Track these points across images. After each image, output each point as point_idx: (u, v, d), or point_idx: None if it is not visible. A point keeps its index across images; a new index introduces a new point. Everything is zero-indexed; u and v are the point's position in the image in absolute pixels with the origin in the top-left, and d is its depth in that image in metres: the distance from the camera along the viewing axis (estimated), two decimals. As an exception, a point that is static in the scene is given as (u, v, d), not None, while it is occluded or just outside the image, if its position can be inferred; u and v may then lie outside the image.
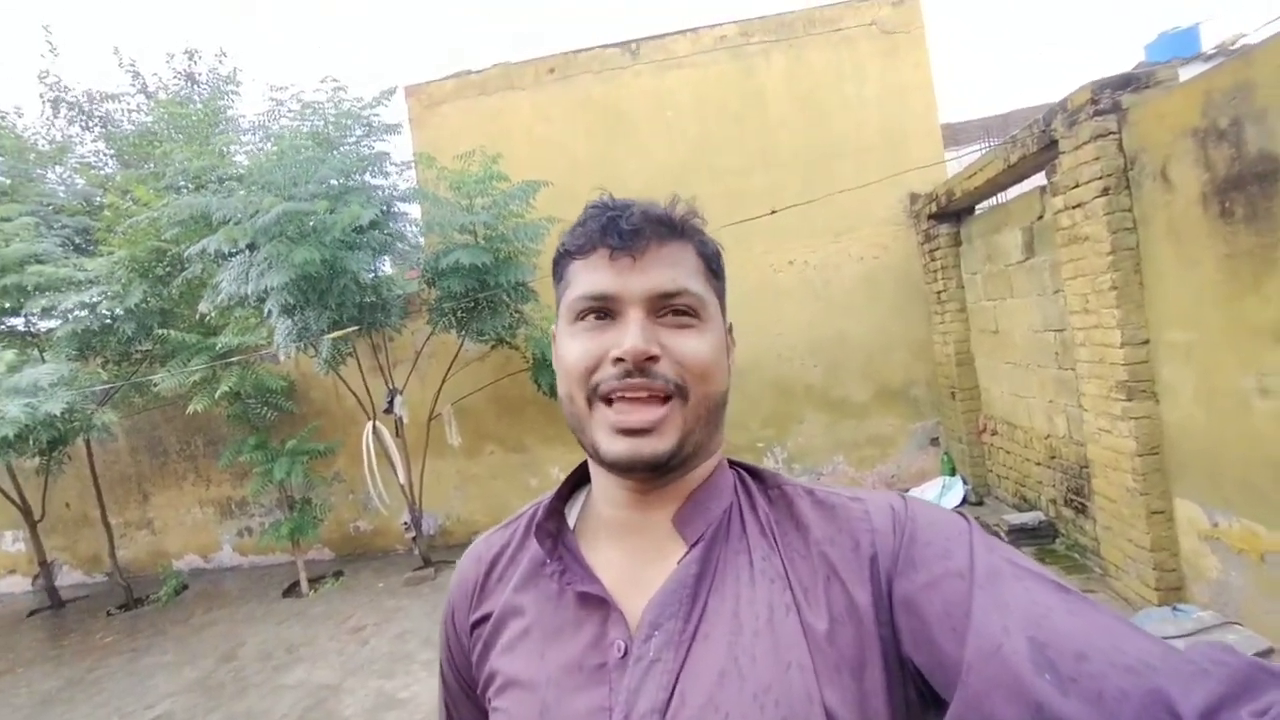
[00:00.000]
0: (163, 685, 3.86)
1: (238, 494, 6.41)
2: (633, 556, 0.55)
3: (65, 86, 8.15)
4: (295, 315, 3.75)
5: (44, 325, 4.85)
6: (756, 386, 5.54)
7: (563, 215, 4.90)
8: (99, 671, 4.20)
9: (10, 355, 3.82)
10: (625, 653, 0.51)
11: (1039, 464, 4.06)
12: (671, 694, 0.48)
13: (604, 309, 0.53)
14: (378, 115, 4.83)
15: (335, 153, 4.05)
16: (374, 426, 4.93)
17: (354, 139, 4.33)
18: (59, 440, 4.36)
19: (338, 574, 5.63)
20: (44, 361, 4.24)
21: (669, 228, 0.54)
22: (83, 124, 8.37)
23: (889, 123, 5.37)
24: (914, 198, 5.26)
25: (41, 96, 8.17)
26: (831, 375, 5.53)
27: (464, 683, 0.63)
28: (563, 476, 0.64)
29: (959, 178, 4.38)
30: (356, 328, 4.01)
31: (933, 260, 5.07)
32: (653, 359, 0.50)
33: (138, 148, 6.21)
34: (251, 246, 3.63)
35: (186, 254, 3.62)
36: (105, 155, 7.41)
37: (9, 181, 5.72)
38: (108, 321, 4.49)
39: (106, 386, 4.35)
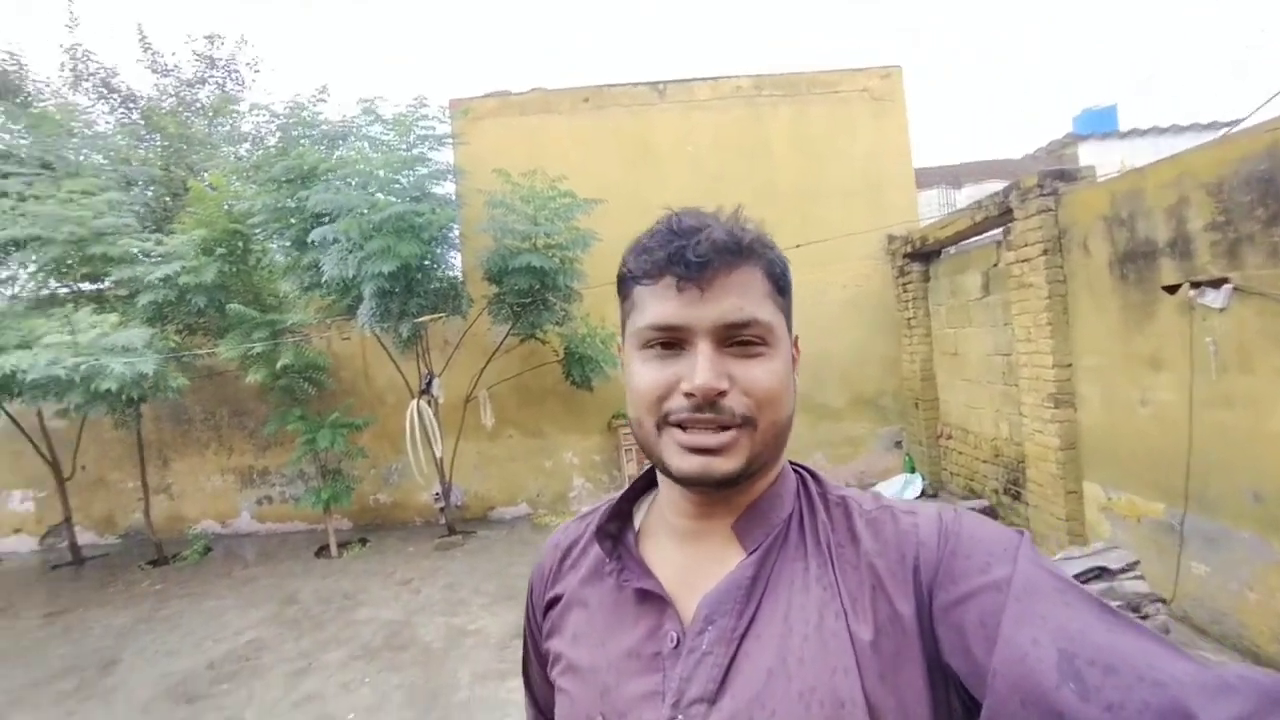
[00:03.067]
0: (236, 621, 4.32)
1: (260, 464, 6.78)
2: (692, 558, 0.59)
3: (88, 56, 8.25)
4: (388, 299, 4.34)
5: (115, 292, 5.20)
6: (751, 390, 6.39)
7: (597, 229, 5.63)
8: (166, 611, 4.59)
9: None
10: (678, 643, 0.54)
11: (985, 461, 5.05)
12: (720, 686, 0.51)
13: (672, 339, 0.54)
14: (433, 129, 5.48)
15: (422, 158, 4.68)
16: (418, 405, 5.49)
17: (423, 148, 4.95)
18: (142, 398, 4.76)
19: (363, 540, 6.09)
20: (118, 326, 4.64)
21: (736, 254, 0.53)
22: (102, 96, 8.50)
23: (872, 174, 6.38)
24: (891, 238, 6.26)
25: (63, 67, 8.27)
26: (814, 384, 6.44)
27: (538, 653, 0.70)
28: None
29: (933, 227, 5.39)
30: (443, 314, 4.62)
31: (905, 292, 6.07)
32: (721, 393, 0.52)
33: (158, 122, 6.54)
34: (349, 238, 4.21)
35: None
36: (139, 128, 7.62)
37: (50, 157, 5.92)
38: (182, 293, 4.92)
39: (196, 353, 4.78)
